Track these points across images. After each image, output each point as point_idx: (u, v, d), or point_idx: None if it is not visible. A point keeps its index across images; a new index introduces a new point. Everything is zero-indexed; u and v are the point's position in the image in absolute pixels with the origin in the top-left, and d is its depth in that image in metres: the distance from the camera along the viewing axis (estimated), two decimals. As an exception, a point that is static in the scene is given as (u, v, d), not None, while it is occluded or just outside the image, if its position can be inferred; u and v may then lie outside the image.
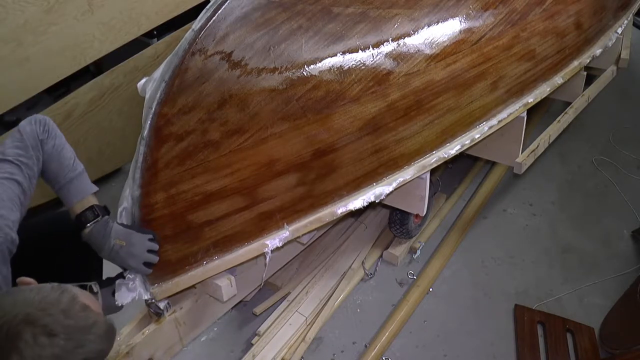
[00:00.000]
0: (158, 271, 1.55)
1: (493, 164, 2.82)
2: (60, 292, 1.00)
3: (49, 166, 1.38)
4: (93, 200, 1.43)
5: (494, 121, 2.00)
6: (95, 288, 1.21)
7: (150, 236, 1.47)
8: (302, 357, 1.97)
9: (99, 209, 1.43)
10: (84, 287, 1.14)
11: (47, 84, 2.13)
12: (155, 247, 1.48)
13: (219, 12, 1.65)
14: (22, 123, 1.36)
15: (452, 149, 1.89)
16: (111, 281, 1.52)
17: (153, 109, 1.53)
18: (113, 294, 1.48)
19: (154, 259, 1.48)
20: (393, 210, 2.20)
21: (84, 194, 1.42)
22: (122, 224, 1.47)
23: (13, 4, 1.92)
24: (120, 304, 1.50)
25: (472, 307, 2.18)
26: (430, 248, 2.41)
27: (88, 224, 1.40)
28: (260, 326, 2.01)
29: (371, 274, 2.29)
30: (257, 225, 1.61)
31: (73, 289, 1.04)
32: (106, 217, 1.44)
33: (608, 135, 3.12)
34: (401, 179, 1.78)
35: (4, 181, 1.24)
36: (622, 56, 2.88)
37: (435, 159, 1.86)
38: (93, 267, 1.64)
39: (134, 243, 1.44)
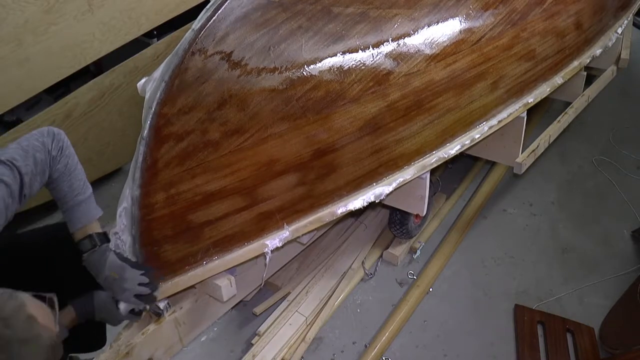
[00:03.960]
0: (158, 271, 1.55)
1: (493, 164, 2.82)
2: (7, 299, 0.96)
3: (59, 185, 1.37)
4: (95, 227, 1.42)
5: (494, 121, 2.00)
6: (54, 300, 1.16)
7: (143, 272, 1.47)
8: (302, 357, 1.97)
9: (97, 238, 1.41)
10: (41, 298, 1.10)
11: (47, 84, 2.12)
12: (146, 280, 1.46)
13: (219, 12, 1.65)
14: (36, 133, 1.34)
15: (452, 149, 1.89)
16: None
17: (153, 109, 1.53)
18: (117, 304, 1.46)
19: (145, 291, 1.47)
20: (393, 210, 2.20)
21: (87, 220, 1.41)
22: (119, 254, 1.46)
23: (13, 4, 1.91)
24: (124, 314, 1.48)
25: (472, 307, 2.18)
26: (430, 248, 2.41)
27: (85, 253, 1.41)
28: (260, 326, 2.01)
29: (371, 274, 2.29)
30: (257, 225, 1.61)
31: (24, 297, 1.00)
32: (105, 245, 1.42)
33: (608, 135, 3.12)
34: (401, 179, 1.78)
35: None
36: (622, 56, 2.88)
37: (435, 159, 1.85)
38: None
39: (126, 278, 1.43)
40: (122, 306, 1.47)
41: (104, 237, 1.44)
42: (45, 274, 1.45)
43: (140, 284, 1.46)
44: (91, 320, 1.42)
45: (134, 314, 1.52)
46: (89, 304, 1.41)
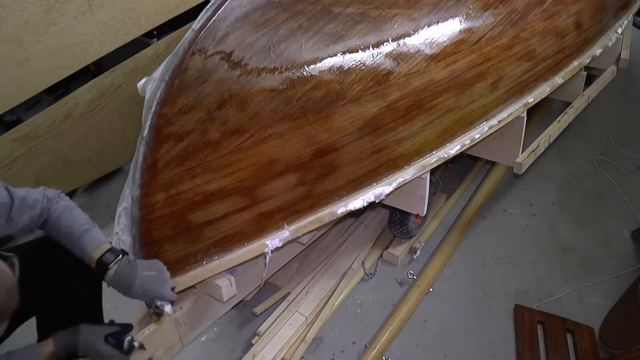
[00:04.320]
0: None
1: (493, 164, 2.82)
2: None
3: (61, 222, 1.37)
4: (109, 245, 1.40)
5: (494, 121, 2.00)
6: (15, 261, 1.16)
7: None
8: (302, 357, 1.97)
9: (117, 249, 1.40)
10: (2, 257, 1.13)
11: (47, 84, 2.12)
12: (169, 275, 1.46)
13: (219, 12, 1.65)
14: (32, 190, 1.37)
15: (452, 149, 1.89)
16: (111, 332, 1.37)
17: (153, 109, 1.53)
18: (111, 343, 1.34)
19: (175, 282, 1.47)
20: (393, 210, 2.20)
21: (100, 240, 1.38)
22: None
23: (13, 4, 1.91)
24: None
25: (472, 307, 2.18)
26: (430, 248, 2.41)
27: (111, 264, 1.36)
28: (260, 326, 2.01)
29: (371, 274, 2.29)
30: (257, 225, 1.61)
31: None
32: (127, 256, 1.41)
33: (608, 135, 3.12)
34: (401, 179, 1.78)
35: None
36: (622, 56, 2.88)
37: (435, 159, 1.86)
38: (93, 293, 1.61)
39: (161, 269, 1.43)
40: (167, 307, 1.45)
41: (123, 251, 1.41)
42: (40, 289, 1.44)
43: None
44: (74, 356, 1.35)
45: (156, 312, 1.46)
46: (73, 338, 1.33)
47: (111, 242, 1.42)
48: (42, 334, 1.61)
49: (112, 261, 1.36)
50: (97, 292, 1.61)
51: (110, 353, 1.32)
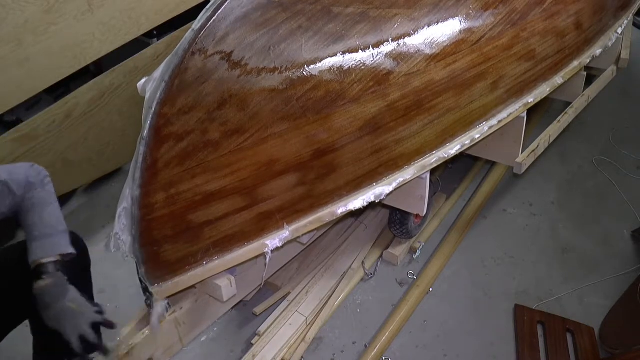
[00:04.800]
0: (158, 271, 1.55)
1: (493, 164, 2.82)
2: None
3: (30, 216, 1.34)
4: (57, 258, 1.35)
5: (494, 121, 2.00)
6: None
7: (100, 313, 1.38)
8: (302, 357, 1.97)
9: (60, 266, 1.34)
10: None
11: (47, 84, 2.12)
12: (101, 320, 1.37)
13: (219, 12, 1.65)
14: (22, 163, 1.34)
15: (452, 149, 1.89)
16: None
17: (153, 109, 1.52)
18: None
19: (93, 337, 1.35)
20: (393, 210, 2.20)
21: (53, 252, 1.34)
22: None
23: (13, 4, 1.91)
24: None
25: (472, 307, 2.18)
26: (430, 248, 2.41)
27: (45, 275, 1.32)
28: (260, 326, 2.01)
29: (371, 274, 2.29)
30: (257, 225, 1.61)
31: None
32: (65, 279, 1.35)
33: (608, 135, 3.12)
34: (401, 179, 1.78)
35: None
36: (622, 56, 2.88)
37: (435, 159, 1.86)
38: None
39: (86, 306, 1.36)
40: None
41: (64, 271, 1.36)
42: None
43: (93, 323, 1.36)
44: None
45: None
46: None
47: (61, 257, 1.37)
48: (37, 335, 1.62)
49: (48, 273, 1.32)
50: (88, 291, 1.62)
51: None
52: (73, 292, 1.37)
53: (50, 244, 1.36)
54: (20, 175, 1.34)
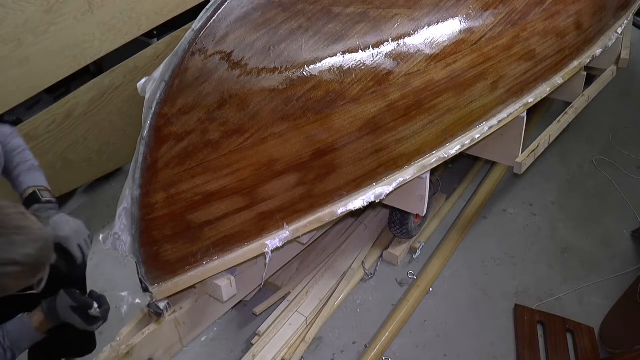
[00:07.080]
0: (158, 271, 1.55)
1: (493, 164, 2.82)
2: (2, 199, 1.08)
3: (11, 158, 1.48)
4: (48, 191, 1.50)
5: (494, 121, 2.00)
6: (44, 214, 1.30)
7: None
8: (302, 357, 1.97)
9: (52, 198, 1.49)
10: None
11: (47, 84, 2.12)
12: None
13: (219, 12, 1.65)
14: None
15: (452, 149, 1.89)
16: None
17: (153, 109, 1.52)
18: (78, 312, 1.37)
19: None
20: (393, 210, 2.20)
21: (40, 182, 1.49)
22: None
23: (13, 4, 1.91)
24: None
25: (472, 307, 2.18)
26: (430, 248, 2.41)
27: (42, 200, 1.46)
28: (260, 326, 2.01)
29: (371, 274, 2.29)
30: (257, 225, 1.61)
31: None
32: (57, 209, 1.49)
33: (608, 135, 3.12)
34: (401, 179, 1.78)
35: None
36: (622, 56, 2.88)
37: (435, 159, 1.85)
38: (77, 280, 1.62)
39: (80, 225, 1.50)
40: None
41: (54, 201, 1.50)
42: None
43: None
44: (65, 324, 1.37)
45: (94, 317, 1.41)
46: (53, 305, 1.35)
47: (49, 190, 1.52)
48: None
49: (44, 196, 1.46)
50: (82, 286, 1.63)
51: (78, 323, 1.37)
52: (65, 215, 1.49)
53: (40, 176, 1.52)
54: None
